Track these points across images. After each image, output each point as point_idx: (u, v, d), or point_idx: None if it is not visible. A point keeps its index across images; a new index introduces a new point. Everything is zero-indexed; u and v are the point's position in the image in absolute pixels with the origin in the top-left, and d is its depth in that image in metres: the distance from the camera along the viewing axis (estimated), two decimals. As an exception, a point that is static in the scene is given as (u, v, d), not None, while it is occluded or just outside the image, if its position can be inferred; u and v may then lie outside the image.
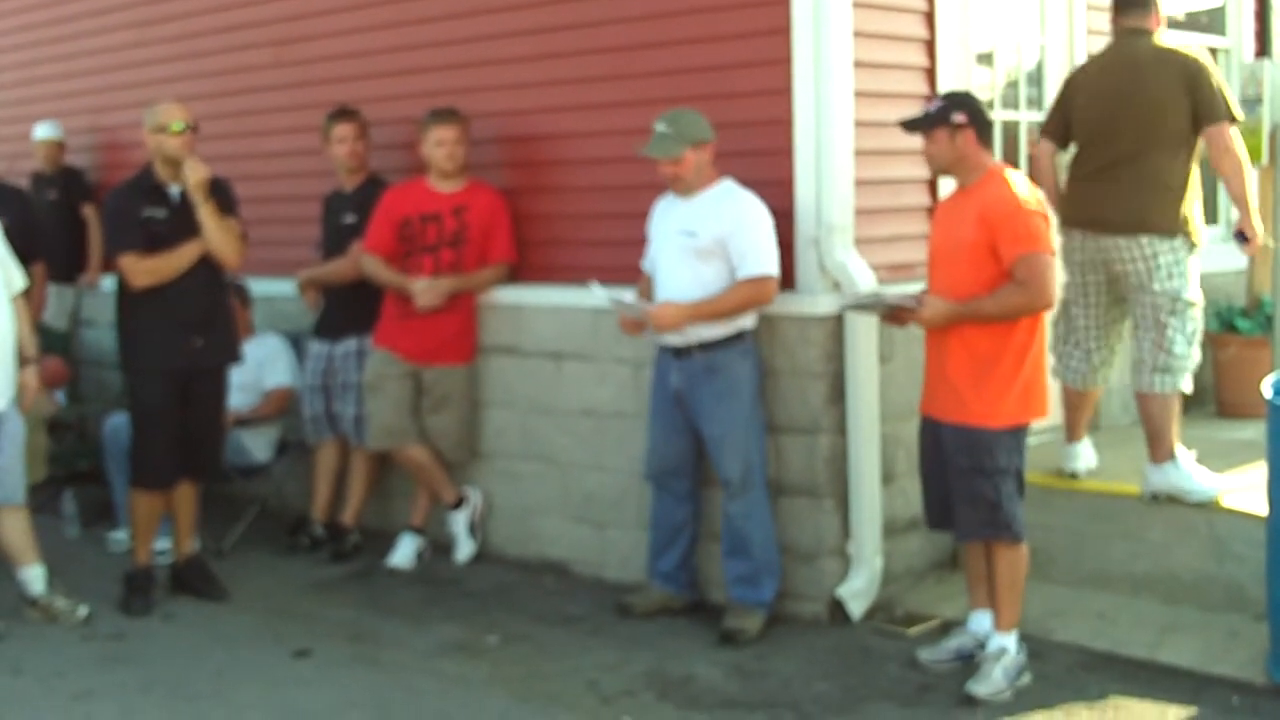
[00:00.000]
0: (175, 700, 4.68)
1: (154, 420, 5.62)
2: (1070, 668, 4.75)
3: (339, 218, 6.47)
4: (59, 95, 8.66)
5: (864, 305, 4.89)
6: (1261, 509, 4.73)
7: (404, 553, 6.23)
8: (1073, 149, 5.56)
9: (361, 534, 6.46)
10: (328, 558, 6.35)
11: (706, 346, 5.12)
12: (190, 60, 7.60)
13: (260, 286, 6.92)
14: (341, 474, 6.57)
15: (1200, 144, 5.33)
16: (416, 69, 6.47)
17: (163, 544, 5.92)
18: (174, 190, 5.62)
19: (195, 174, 5.52)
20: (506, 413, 6.19)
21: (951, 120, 4.56)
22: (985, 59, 6.10)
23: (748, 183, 5.14)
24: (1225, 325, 6.93)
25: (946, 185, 5.17)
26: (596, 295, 5.29)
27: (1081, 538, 5.46)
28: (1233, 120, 5.28)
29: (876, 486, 5.26)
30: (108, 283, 7.11)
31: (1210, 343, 6.67)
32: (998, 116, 5.93)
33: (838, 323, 5.19)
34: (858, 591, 5.23)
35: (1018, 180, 4.60)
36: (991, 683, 4.51)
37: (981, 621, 4.77)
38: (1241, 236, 5.41)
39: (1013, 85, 6.33)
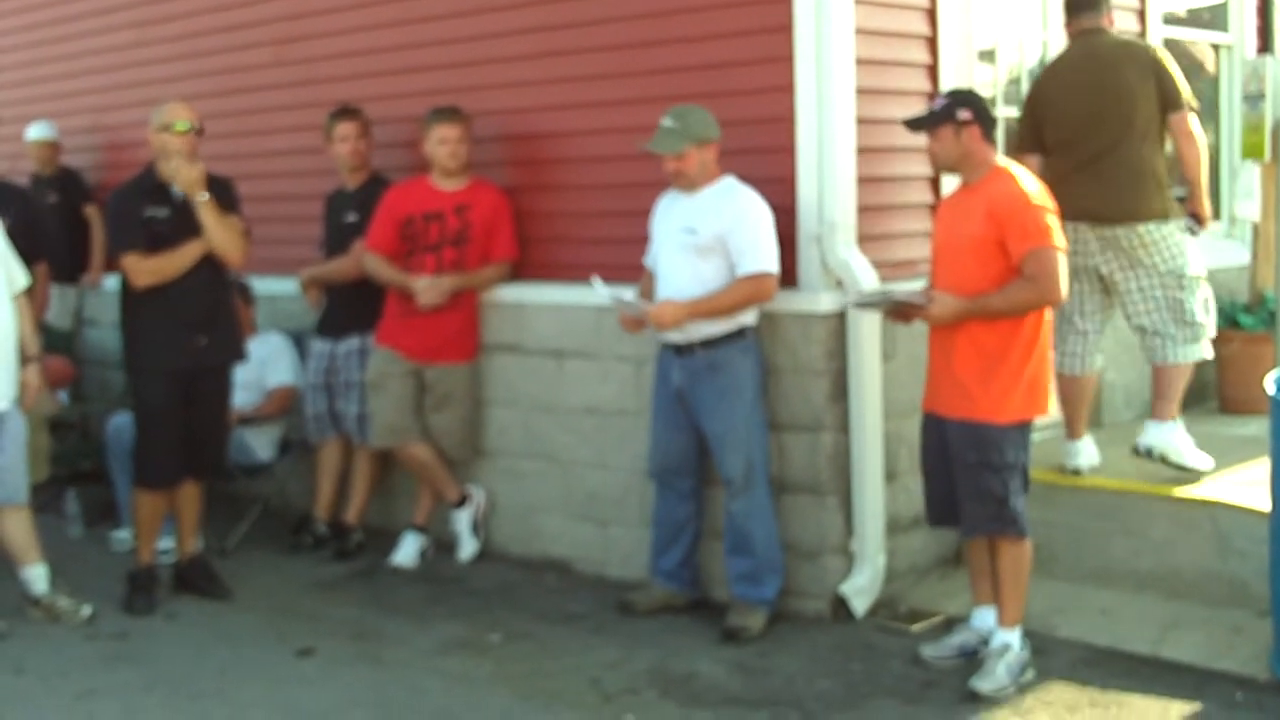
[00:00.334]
0: (178, 699, 4.68)
1: (157, 420, 5.61)
2: (1073, 664, 4.75)
3: (341, 216, 6.47)
4: (60, 95, 8.66)
5: (871, 302, 4.88)
6: (1265, 505, 4.73)
7: (407, 551, 6.22)
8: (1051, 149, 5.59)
9: (364, 532, 6.45)
10: (331, 556, 6.35)
11: (708, 344, 5.11)
12: (192, 59, 7.60)
13: (263, 285, 6.92)
14: (344, 473, 6.57)
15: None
16: (418, 67, 6.46)
17: (166, 543, 5.92)
18: (176, 190, 5.60)
19: (181, 173, 5.49)
20: (509, 411, 6.19)
21: (957, 117, 4.56)
22: (987, 56, 6.10)
23: (750, 180, 5.14)
24: (1228, 321, 6.90)
25: (949, 182, 5.16)
26: (598, 291, 5.28)
27: (1084, 534, 5.46)
28: (1191, 107, 5.45)
29: (879, 484, 5.26)
30: (111, 282, 7.12)
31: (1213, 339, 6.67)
32: (1000, 113, 5.93)
33: (840, 320, 5.19)
34: (861, 588, 5.23)
35: (1024, 176, 4.60)
36: (995, 679, 4.50)
37: (985, 618, 4.77)
38: (1195, 218, 5.54)
39: (1015, 82, 6.32)
